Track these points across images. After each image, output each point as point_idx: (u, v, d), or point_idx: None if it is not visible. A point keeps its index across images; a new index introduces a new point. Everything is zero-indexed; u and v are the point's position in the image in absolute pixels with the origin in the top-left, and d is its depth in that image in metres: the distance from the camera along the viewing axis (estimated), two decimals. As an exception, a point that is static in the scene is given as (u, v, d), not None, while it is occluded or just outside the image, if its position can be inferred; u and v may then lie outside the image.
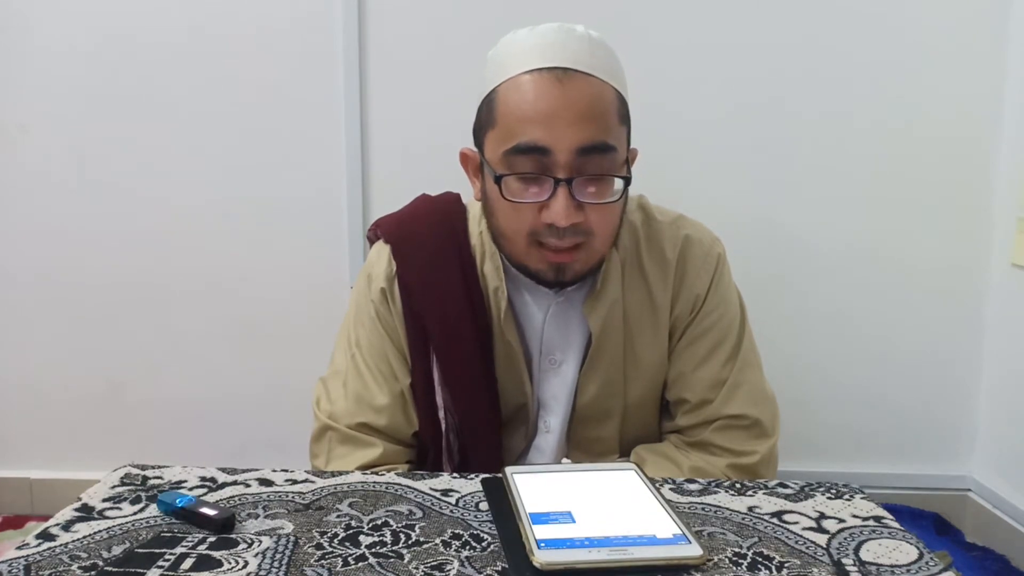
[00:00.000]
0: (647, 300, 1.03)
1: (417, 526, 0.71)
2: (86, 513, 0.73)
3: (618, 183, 0.92)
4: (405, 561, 0.65)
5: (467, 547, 0.68)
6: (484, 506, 0.76)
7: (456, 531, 0.71)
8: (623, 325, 1.03)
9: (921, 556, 0.68)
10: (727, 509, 0.76)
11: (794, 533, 0.72)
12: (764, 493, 0.80)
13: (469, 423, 1.02)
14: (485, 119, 0.94)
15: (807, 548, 0.69)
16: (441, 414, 1.02)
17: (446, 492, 0.79)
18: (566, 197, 0.88)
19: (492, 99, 0.92)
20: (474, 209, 1.05)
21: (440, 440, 1.03)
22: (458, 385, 1.02)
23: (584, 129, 0.87)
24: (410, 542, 0.68)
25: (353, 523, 0.72)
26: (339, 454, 1.01)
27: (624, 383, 1.04)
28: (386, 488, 0.80)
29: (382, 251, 1.05)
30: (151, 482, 0.80)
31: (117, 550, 0.66)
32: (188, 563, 0.64)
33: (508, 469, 0.79)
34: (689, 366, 1.04)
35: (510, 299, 1.01)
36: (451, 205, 1.08)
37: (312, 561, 0.65)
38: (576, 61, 0.89)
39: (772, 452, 1.02)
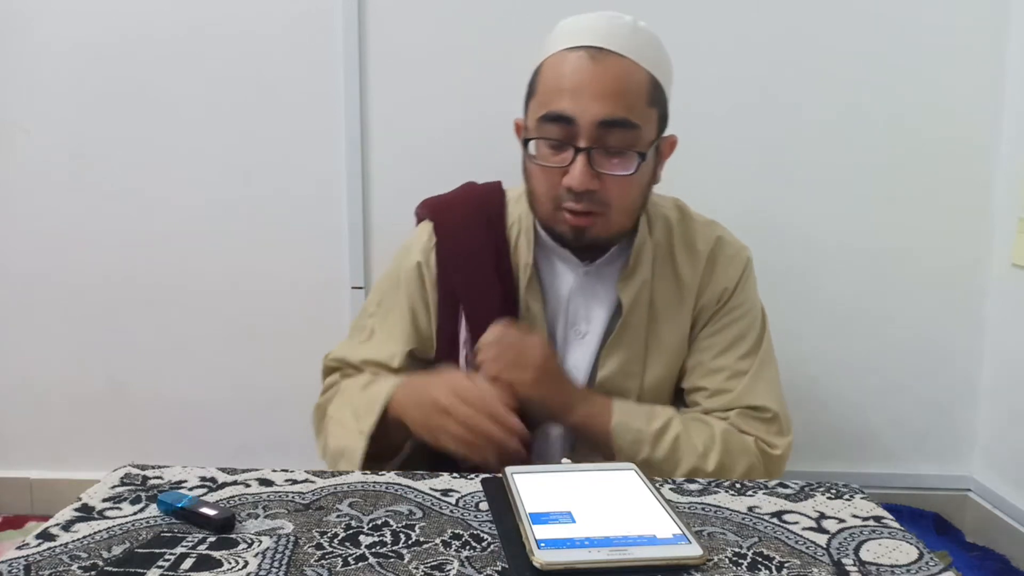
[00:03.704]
0: (675, 286, 1.09)
1: (417, 526, 0.71)
2: (86, 513, 0.73)
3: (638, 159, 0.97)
4: (405, 561, 0.65)
5: (467, 547, 0.68)
6: (484, 506, 0.76)
7: (456, 531, 0.71)
8: (649, 306, 1.07)
9: (921, 556, 0.68)
10: (727, 509, 0.76)
11: (794, 533, 0.72)
12: (764, 493, 0.80)
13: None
14: (529, 90, 1.02)
15: (807, 548, 0.69)
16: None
17: (446, 492, 0.79)
18: (584, 164, 0.94)
19: (537, 72, 1.01)
20: (513, 193, 1.14)
21: None
22: None
23: (608, 104, 0.94)
24: (410, 542, 0.68)
25: (353, 523, 0.72)
26: (347, 384, 1.10)
27: (644, 363, 1.08)
28: (386, 488, 0.80)
29: (425, 227, 1.14)
30: (151, 482, 0.80)
31: (117, 550, 0.66)
32: (188, 563, 0.64)
33: (508, 469, 0.79)
34: (708, 355, 1.08)
35: (540, 269, 1.08)
36: (491, 189, 1.17)
37: (312, 561, 0.65)
38: (612, 43, 0.96)
39: (788, 451, 1.05)
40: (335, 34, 1.74)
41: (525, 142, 1.01)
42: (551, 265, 1.09)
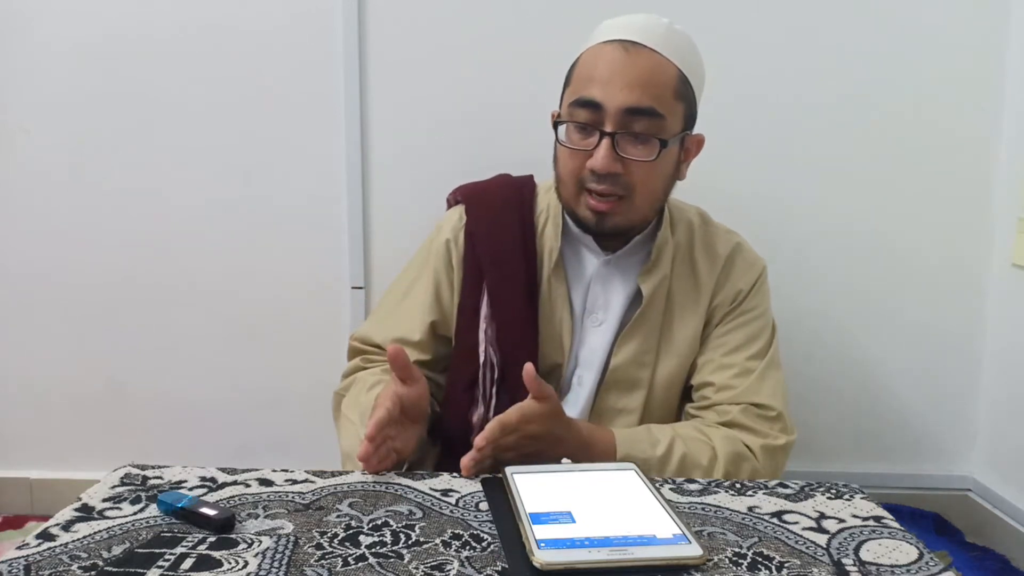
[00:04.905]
0: (692, 285, 1.13)
1: (417, 526, 0.71)
2: (86, 513, 0.73)
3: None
4: (405, 561, 0.65)
5: (467, 547, 0.68)
6: (484, 506, 0.76)
7: (456, 531, 0.71)
8: (666, 301, 1.12)
9: (921, 556, 0.68)
10: (727, 509, 0.76)
11: (794, 533, 0.72)
12: (764, 493, 0.80)
13: (510, 359, 1.08)
14: (566, 79, 1.08)
15: (807, 548, 0.69)
16: (482, 347, 1.10)
17: (446, 492, 0.79)
18: (608, 147, 1.00)
19: (575, 63, 1.07)
20: (543, 185, 1.19)
21: (475, 376, 1.10)
22: (505, 315, 1.10)
23: (635, 92, 0.99)
24: (410, 542, 0.68)
25: (353, 523, 0.72)
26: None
27: (656, 355, 1.11)
28: (386, 488, 0.80)
29: (457, 209, 1.20)
30: (151, 482, 0.80)
31: (117, 550, 0.66)
32: (188, 563, 0.64)
33: (508, 469, 0.79)
34: (719, 352, 1.11)
35: (564, 256, 1.12)
36: (523, 179, 1.22)
37: (312, 561, 0.65)
38: (646, 38, 1.02)
39: (790, 447, 1.07)
40: (335, 34, 1.74)
41: (555, 127, 1.06)
42: (576, 253, 1.13)
